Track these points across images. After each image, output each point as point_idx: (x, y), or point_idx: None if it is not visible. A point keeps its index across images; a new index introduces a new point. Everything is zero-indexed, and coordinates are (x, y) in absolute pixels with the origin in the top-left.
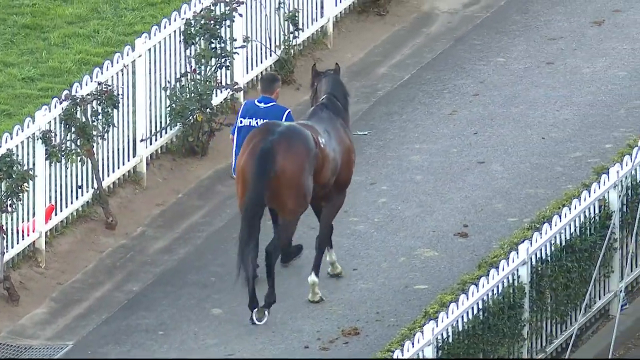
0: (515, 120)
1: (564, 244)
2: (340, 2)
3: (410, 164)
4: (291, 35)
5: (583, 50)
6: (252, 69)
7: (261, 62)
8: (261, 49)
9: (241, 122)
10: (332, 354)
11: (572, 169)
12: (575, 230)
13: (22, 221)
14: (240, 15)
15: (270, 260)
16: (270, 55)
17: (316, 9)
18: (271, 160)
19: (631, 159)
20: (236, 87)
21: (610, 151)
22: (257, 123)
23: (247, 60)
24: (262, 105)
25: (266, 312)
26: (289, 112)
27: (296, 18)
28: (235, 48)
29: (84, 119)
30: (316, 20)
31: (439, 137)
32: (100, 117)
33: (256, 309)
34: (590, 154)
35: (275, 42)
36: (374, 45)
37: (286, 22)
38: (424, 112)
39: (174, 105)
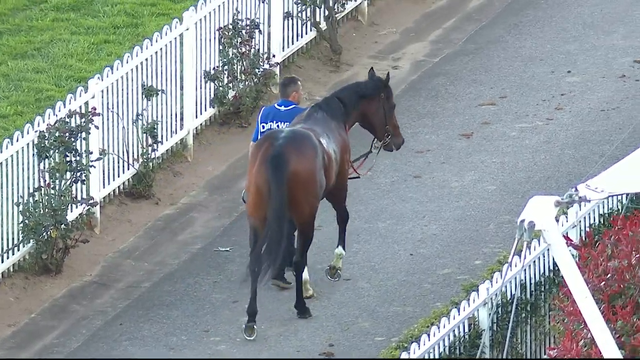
0: (382, 236)
1: None
2: (201, 114)
3: None
4: (150, 148)
5: (451, 164)
6: (109, 183)
7: (118, 176)
8: (119, 162)
9: (263, 127)
10: None
11: (441, 286)
12: (444, 349)
13: None
14: (97, 127)
15: (299, 271)
16: (128, 169)
17: (176, 121)
18: (285, 165)
19: (501, 275)
20: (92, 201)
21: (479, 267)
22: (278, 126)
23: (103, 173)
24: (282, 108)
25: (255, 327)
26: None
27: (155, 130)
28: (91, 161)
29: None
30: (176, 133)
31: None
32: None
33: (246, 326)
34: (459, 271)
35: (133, 155)
36: (236, 157)
37: (145, 135)
38: None
39: (26, 221)
